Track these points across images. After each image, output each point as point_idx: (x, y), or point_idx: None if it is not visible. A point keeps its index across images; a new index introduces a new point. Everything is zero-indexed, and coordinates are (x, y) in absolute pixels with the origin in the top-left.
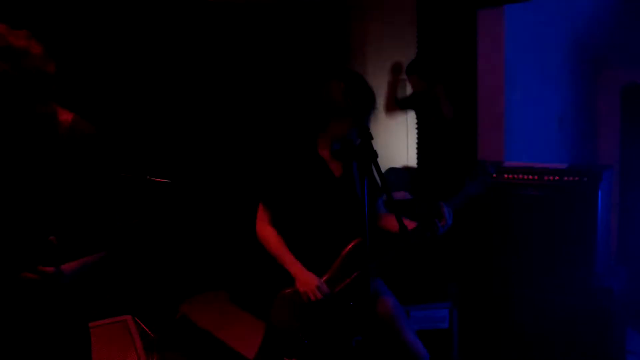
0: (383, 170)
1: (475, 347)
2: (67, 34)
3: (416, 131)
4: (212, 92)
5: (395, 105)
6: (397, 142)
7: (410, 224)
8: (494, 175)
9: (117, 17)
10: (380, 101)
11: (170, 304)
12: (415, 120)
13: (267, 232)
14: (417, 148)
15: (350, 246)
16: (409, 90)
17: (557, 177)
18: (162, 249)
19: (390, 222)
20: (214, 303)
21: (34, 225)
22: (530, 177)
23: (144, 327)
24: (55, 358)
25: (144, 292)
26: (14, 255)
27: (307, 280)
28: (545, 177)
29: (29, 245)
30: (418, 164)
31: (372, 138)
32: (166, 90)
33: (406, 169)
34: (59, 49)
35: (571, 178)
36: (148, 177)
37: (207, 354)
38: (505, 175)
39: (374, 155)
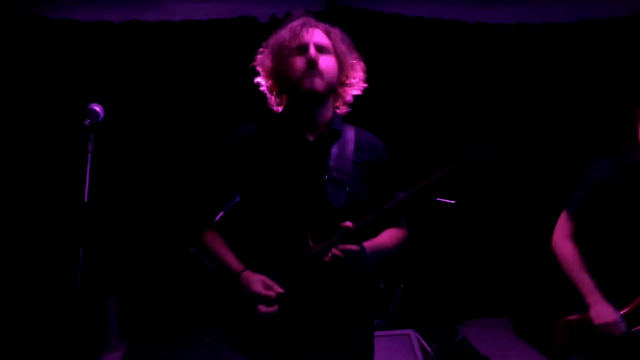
0: None
1: None
2: None
3: None
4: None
5: None
6: None
7: None
8: None
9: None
10: None
11: (450, 323)
12: None
13: (566, 247)
14: None
15: None
16: None
17: None
18: (445, 267)
19: None
20: (495, 329)
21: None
22: None
23: (424, 344)
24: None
25: (426, 307)
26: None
27: (606, 314)
28: None
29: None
30: None
31: None
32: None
33: None
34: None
35: None
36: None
37: None
38: None
39: None
